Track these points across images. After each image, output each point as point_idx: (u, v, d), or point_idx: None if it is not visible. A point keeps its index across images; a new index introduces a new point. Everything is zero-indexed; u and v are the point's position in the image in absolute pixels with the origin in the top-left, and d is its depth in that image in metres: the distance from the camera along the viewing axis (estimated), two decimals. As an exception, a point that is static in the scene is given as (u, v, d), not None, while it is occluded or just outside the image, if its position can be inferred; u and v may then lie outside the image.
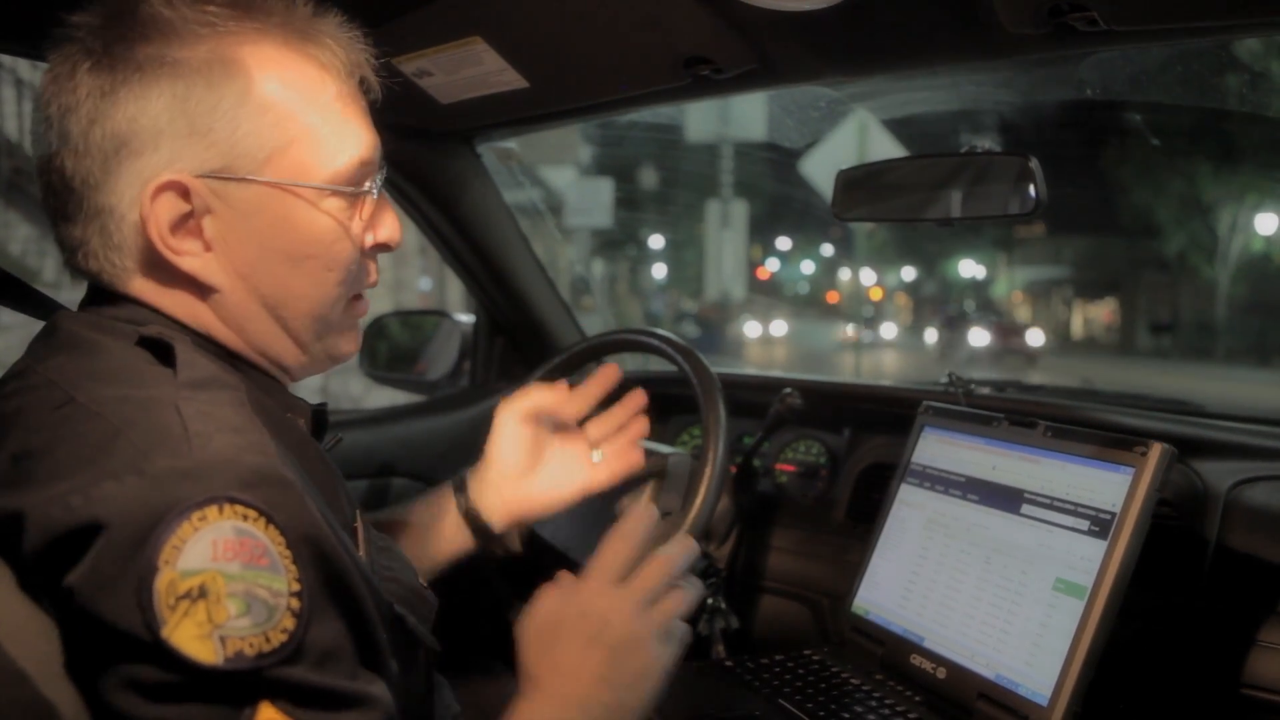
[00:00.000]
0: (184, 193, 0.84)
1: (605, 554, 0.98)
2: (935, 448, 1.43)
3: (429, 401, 2.19)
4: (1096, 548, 1.15)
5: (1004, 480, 1.30)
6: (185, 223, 0.85)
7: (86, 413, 0.77)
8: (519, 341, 2.16)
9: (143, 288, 0.88)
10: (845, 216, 1.46)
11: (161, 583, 0.68)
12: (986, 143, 1.35)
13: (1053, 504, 1.22)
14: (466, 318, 2.25)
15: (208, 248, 0.87)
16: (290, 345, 0.94)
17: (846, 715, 1.22)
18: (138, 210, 0.84)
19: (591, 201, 9.87)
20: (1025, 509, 1.26)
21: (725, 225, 9.61)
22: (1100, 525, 1.16)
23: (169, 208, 0.84)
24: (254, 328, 0.91)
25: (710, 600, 1.64)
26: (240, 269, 0.88)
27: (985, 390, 1.69)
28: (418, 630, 0.96)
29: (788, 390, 1.68)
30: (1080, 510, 1.19)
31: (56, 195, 0.86)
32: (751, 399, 1.81)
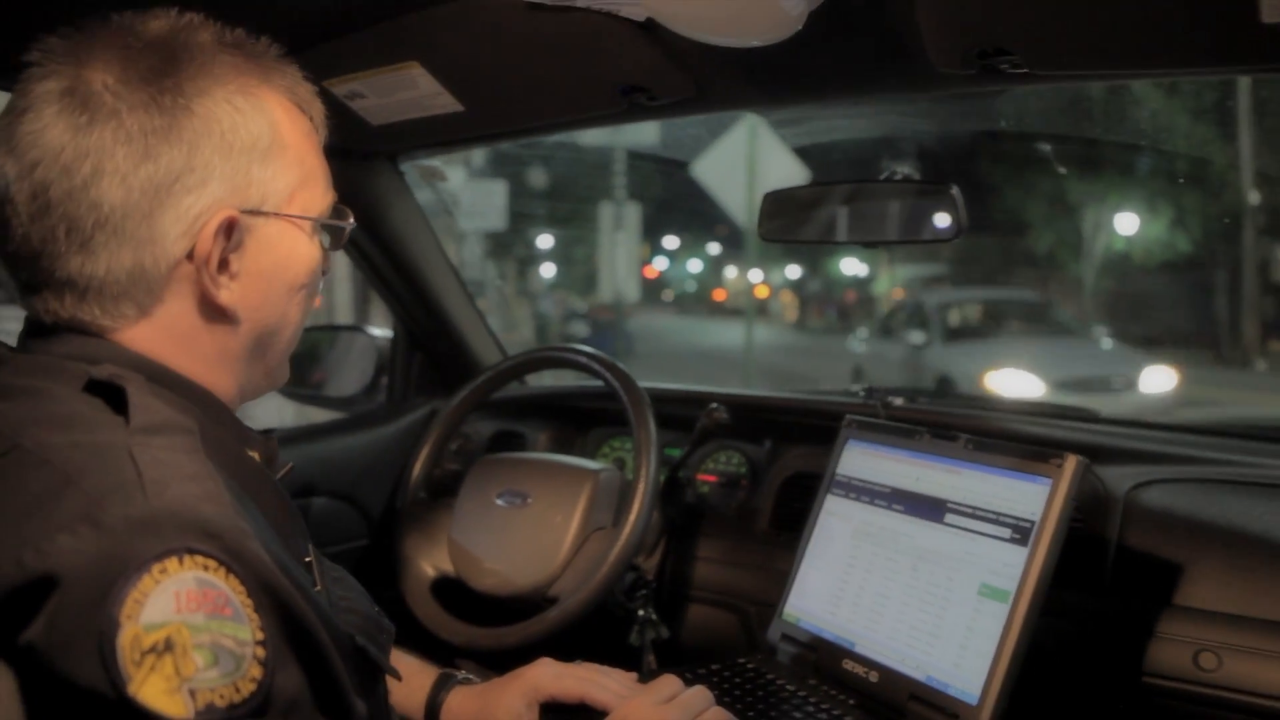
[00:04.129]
0: (230, 228, 0.86)
1: (656, 683, 1.16)
2: (859, 460, 1.49)
3: (346, 419, 2.16)
4: (1018, 554, 1.22)
5: (927, 491, 1.37)
6: (222, 256, 0.88)
7: (34, 460, 0.75)
8: (438, 357, 2.15)
9: (140, 326, 0.88)
10: (771, 238, 1.51)
11: (125, 638, 0.67)
12: (906, 168, 1.42)
13: (975, 513, 1.30)
14: (382, 332, 2.24)
15: (232, 279, 0.89)
16: (262, 373, 0.98)
17: (787, 721, 1.27)
18: (186, 244, 0.85)
19: (485, 204, 9.81)
20: (949, 518, 1.33)
21: (619, 227, 9.66)
22: (1021, 533, 1.23)
23: (220, 242, 0.86)
24: (243, 358, 0.94)
25: (641, 612, 1.68)
26: (253, 300, 0.91)
27: (899, 401, 1.77)
28: (379, 661, 0.97)
29: (714, 405, 1.72)
30: (1002, 519, 1.26)
31: (79, 229, 0.83)
32: (675, 412, 1.85)
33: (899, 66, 1.18)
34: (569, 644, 1.43)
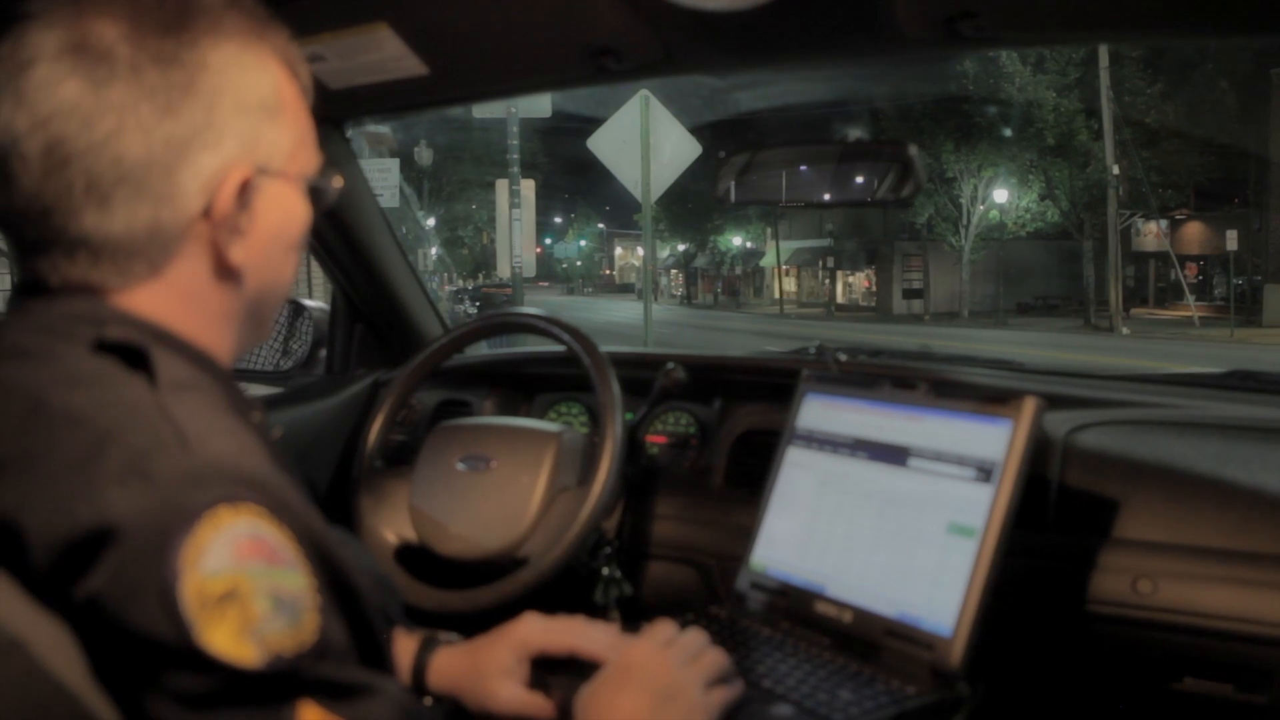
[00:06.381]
0: (244, 187, 0.85)
1: (653, 628, 1.18)
2: (819, 412, 1.54)
3: (285, 393, 2.13)
4: (984, 492, 1.29)
5: (890, 438, 1.43)
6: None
7: (66, 419, 0.75)
8: (380, 328, 2.13)
9: (148, 285, 0.86)
10: (728, 199, 1.55)
11: (189, 588, 0.68)
12: (857, 132, 1.47)
13: (939, 456, 1.36)
14: (317, 304, 2.21)
15: (242, 238, 0.88)
16: (255, 333, 0.98)
17: (770, 661, 1.32)
18: (202, 201, 0.84)
19: (380, 183, 9.61)
20: (913, 462, 1.39)
21: (515, 204, 9.59)
22: (985, 473, 1.30)
23: (235, 201, 0.85)
24: (242, 318, 0.93)
25: (605, 570, 1.71)
26: (257, 259, 0.90)
27: (844, 357, 1.84)
28: (395, 617, 0.99)
29: (671, 365, 1.76)
30: (965, 460, 1.33)
31: (99, 184, 0.81)
32: (629, 375, 1.88)
33: (867, 30, 1.23)
34: (534, 605, 1.45)
